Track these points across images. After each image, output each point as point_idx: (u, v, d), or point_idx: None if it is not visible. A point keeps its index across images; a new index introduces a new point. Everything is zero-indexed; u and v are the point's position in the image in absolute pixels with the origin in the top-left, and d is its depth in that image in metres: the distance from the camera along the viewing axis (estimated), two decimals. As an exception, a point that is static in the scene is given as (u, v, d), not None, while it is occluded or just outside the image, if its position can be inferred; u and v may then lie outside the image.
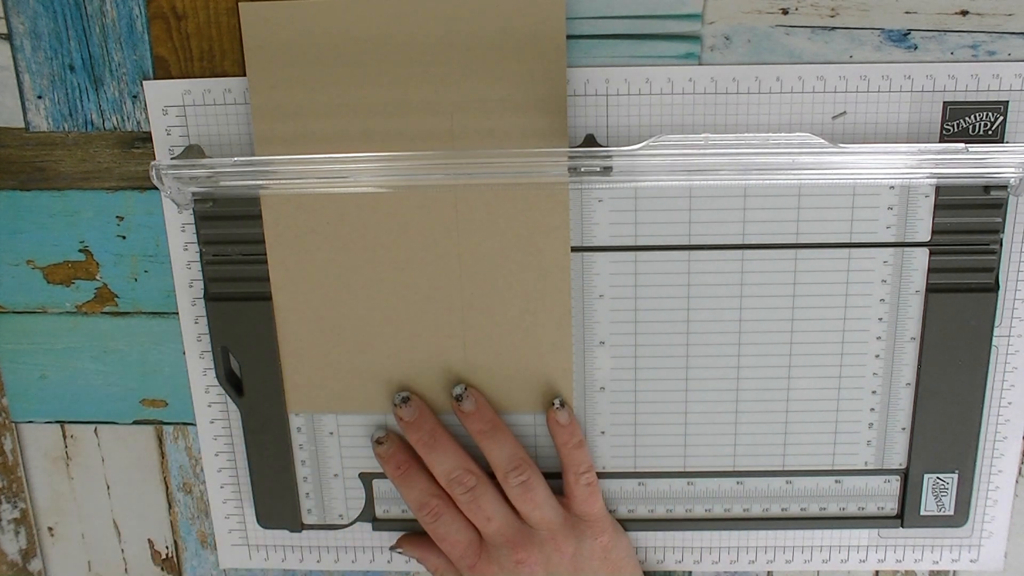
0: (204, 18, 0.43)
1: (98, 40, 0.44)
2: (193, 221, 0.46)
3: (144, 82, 0.44)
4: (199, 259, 0.47)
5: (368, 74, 0.43)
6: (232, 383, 0.48)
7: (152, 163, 0.42)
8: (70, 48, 0.44)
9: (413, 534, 0.50)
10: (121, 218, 0.47)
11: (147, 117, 0.45)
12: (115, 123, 0.45)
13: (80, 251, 0.47)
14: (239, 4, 0.42)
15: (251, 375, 0.48)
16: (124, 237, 0.47)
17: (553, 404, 0.47)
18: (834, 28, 0.42)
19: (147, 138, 0.45)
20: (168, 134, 0.45)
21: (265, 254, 0.46)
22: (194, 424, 0.50)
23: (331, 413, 0.49)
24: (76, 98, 0.45)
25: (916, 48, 0.42)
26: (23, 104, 0.45)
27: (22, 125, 0.45)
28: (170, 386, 0.50)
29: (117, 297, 0.48)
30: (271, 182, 0.43)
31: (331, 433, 0.49)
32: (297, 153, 0.43)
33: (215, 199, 0.45)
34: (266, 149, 0.44)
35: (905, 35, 0.42)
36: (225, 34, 0.43)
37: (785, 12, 0.42)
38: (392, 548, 0.50)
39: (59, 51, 0.44)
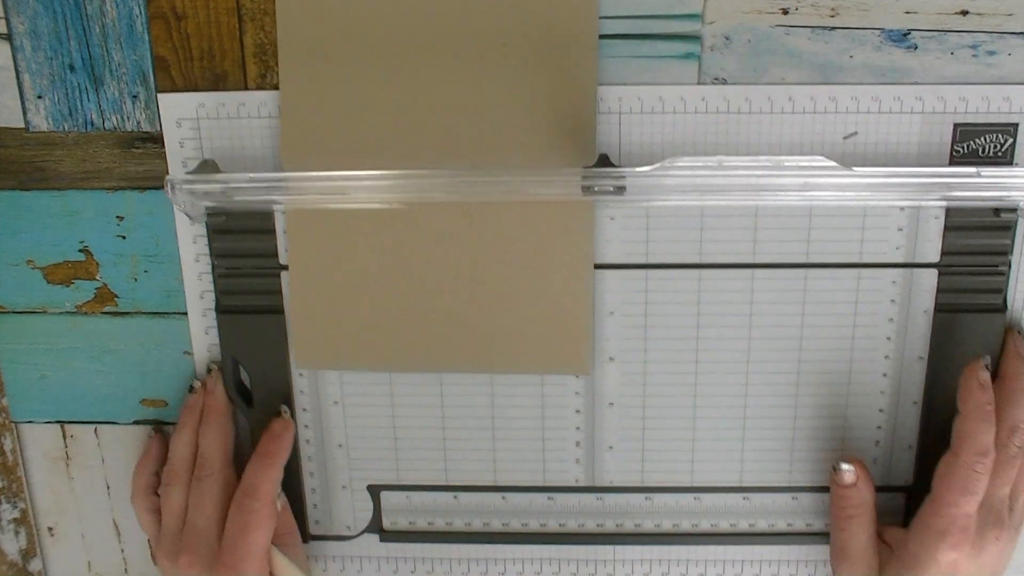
0: (204, 18, 0.43)
1: (98, 40, 0.44)
2: (205, 233, 0.46)
3: (159, 95, 0.44)
4: (211, 271, 0.47)
5: (400, 77, 0.43)
6: (241, 394, 0.48)
7: (167, 177, 0.42)
8: (70, 48, 0.44)
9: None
10: (121, 218, 0.47)
11: (147, 117, 0.45)
12: (115, 123, 0.45)
13: (80, 251, 0.47)
14: None
15: (260, 387, 0.48)
16: (124, 237, 0.47)
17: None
18: (834, 28, 0.42)
19: (147, 138, 0.45)
20: (181, 146, 0.45)
21: (277, 268, 0.46)
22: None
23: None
24: (76, 98, 0.45)
25: (916, 48, 0.42)
26: (23, 104, 0.45)
27: (22, 125, 0.45)
28: (170, 386, 0.49)
29: (117, 297, 0.48)
30: (285, 198, 0.43)
31: (340, 445, 0.49)
32: (320, 155, 0.43)
33: (228, 213, 0.45)
34: (292, 148, 0.44)
35: (905, 35, 0.42)
36: (225, 34, 0.43)
37: (785, 12, 0.42)
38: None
39: (59, 51, 0.44)
